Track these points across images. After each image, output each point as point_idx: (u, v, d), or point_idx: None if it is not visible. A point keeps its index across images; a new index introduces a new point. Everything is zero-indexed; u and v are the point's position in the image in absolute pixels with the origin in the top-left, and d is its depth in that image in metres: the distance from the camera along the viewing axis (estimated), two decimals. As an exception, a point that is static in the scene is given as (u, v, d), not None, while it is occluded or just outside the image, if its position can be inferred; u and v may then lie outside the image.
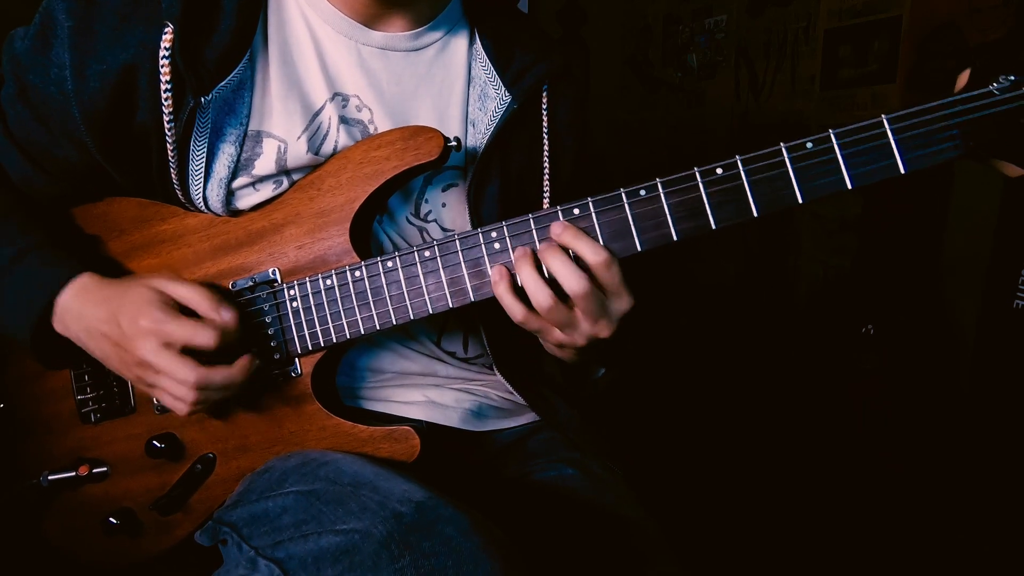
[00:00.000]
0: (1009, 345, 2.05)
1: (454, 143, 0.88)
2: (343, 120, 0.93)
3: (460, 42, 0.99)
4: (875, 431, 2.33)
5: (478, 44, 0.98)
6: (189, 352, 0.82)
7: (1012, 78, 0.70)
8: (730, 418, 2.70)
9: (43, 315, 0.87)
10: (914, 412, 2.27)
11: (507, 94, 0.95)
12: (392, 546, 0.68)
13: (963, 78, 0.73)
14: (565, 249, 0.81)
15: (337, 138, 0.93)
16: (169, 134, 0.86)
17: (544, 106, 0.99)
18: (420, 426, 0.89)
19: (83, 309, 0.85)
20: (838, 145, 0.74)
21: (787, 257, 2.88)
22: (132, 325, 0.81)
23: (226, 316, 0.83)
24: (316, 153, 0.92)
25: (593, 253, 0.79)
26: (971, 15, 2.19)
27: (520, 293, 0.83)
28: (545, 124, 0.99)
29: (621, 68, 3.77)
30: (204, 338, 0.80)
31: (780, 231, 2.91)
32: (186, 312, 0.83)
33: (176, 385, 0.81)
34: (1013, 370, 2.04)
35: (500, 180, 0.96)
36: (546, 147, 0.99)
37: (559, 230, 0.80)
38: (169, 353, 0.80)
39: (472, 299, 0.85)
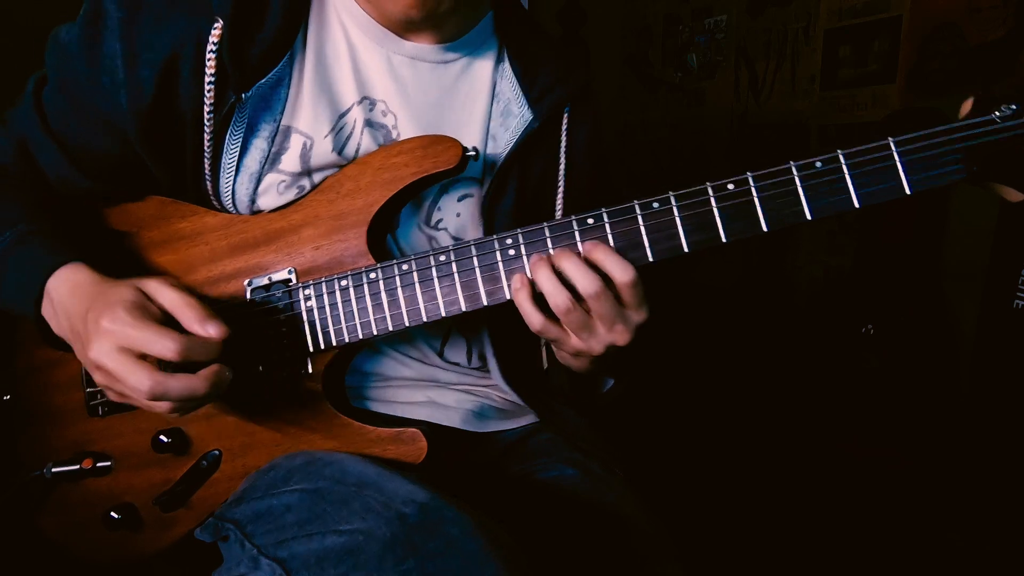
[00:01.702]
0: (1009, 345, 2.05)
1: (472, 153, 0.89)
2: (368, 123, 0.94)
3: (487, 59, 1.01)
4: (875, 431, 2.34)
5: (506, 63, 1.00)
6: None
7: (1014, 107, 0.72)
8: (730, 418, 2.71)
9: (39, 298, 0.86)
10: (914, 412, 2.27)
11: (529, 112, 0.97)
12: (397, 547, 0.68)
13: (967, 105, 0.76)
14: (583, 259, 0.81)
15: (360, 140, 0.94)
16: (208, 126, 0.87)
17: (564, 126, 1.00)
18: (422, 427, 0.89)
19: (65, 300, 0.83)
20: (846, 165, 0.75)
21: (787, 257, 2.89)
22: (95, 323, 0.77)
23: (211, 330, 0.78)
24: (339, 153, 0.93)
25: (622, 272, 0.79)
26: (971, 15, 2.20)
27: (539, 301, 0.83)
28: (564, 144, 1.00)
29: (621, 68, 3.77)
30: (162, 348, 0.74)
31: (781, 232, 2.91)
32: (170, 320, 0.80)
33: (132, 392, 0.77)
34: (1013, 370, 2.05)
35: (516, 195, 0.97)
36: (562, 166, 1.00)
37: (590, 246, 0.81)
38: (123, 357, 0.75)
39: (485, 303, 0.85)
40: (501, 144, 0.98)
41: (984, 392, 2.14)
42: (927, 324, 2.30)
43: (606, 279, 0.80)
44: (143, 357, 0.76)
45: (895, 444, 2.28)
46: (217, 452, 0.92)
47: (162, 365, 0.78)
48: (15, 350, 1.01)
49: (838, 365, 2.50)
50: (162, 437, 0.91)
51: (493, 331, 1.01)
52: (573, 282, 0.80)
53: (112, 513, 0.93)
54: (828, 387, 2.52)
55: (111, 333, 0.75)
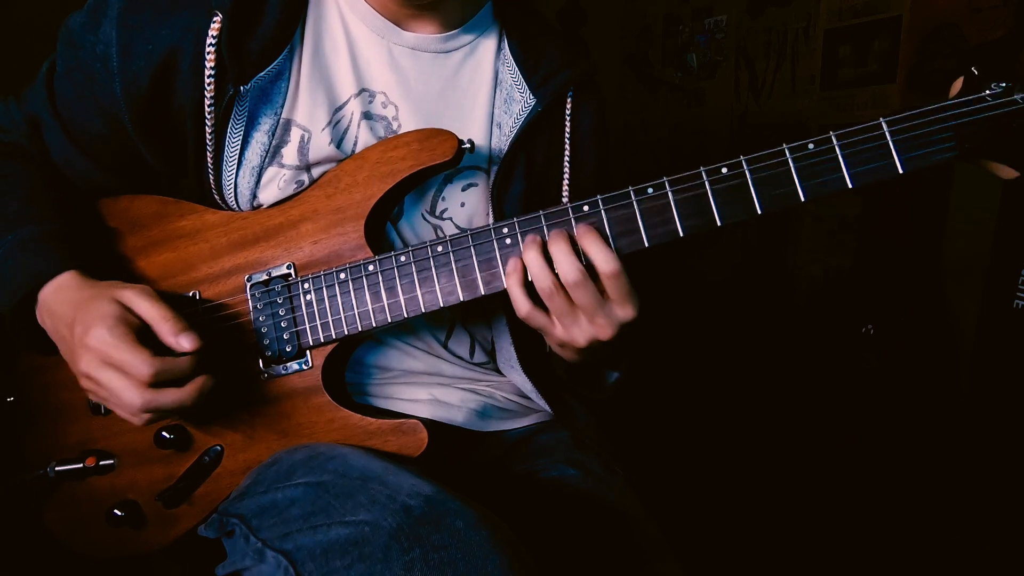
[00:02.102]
0: (1009, 345, 2.06)
1: (467, 145, 0.90)
2: (366, 116, 0.94)
3: (489, 46, 1.01)
4: (875, 431, 2.34)
5: (506, 49, 1.00)
6: None
7: (1004, 84, 0.73)
8: (730, 418, 2.71)
9: (24, 302, 0.88)
10: (914, 412, 2.28)
11: (532, 97, 0.97)
12: (402, 538, 0.68)
13: (957, 84, 0.76)
14: (575, 245, 0.81)
15: (358, 133, 0.94)
16: (209, 120, 0.87)
17: (568, 112, 1.01)
18: (424, 422, 0.90)
19: (55, 308, 0.86)
20: (838, 146, 0.76)
21: (787, 257, 2.89)
22: (80, 338, 0.80)
23: (185, 343, 0.80)
24: (338, 147, 0.93)
25: (605, 261, 0.80)
26: (971, 15, 2.20)
27: (529, 288, 0.83)
28: (568, 130, 1.01)
29: (621, 68, 3.78)
30: (137, 372, 0.78)
31: (780, 231, 2.91)
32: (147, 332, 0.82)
33: (121, 405, 0.81)
34: (1013, 370, 2.05)
35: (524, 181, 0.98)
36: (567, 152, 1.01)
37: (583, 230, 0.81)
38: (113, 373, 0.79)
39: (483, 293, 0.85)
40: (506, 131, 0.98)
41: (984, 392, 2.14)
42: (927, 324, 2.30)
43: (591, 269, 0.80)
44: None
45: (895, 444, 2.28)
46: (219, 448, 0.92)
47: None
48: (19, 350, 1.01)
49: (838, 365, 2.50)
50: (164, 433, 0.91)
51: (512, 320, 1.01)
52: (556, 266, 0.81)
53: (115, 510, 0.93)
54: (828, 387, 2.53)
55: (96, 350, 0.79)
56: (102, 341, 0.79)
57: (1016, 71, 0.73)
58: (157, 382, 0.79)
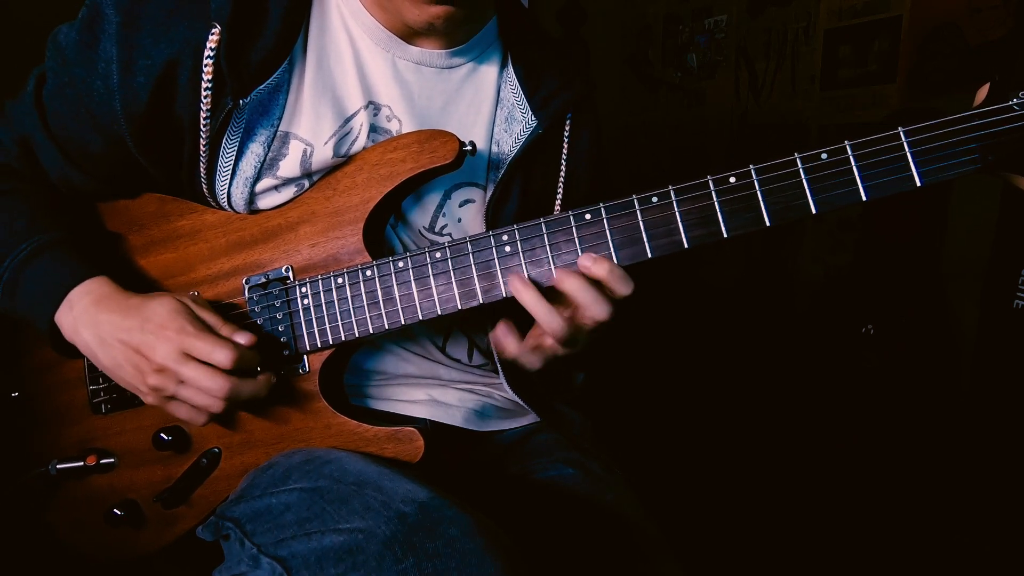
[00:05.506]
0: (1009, 345, 2.05)
1: (469, 147, 0.89)
2: (373, 128, 0.94)
3: (492, 64, 1.01)
4: (875, 431, 2.34)
5: (510, 69, 1.00)
6: None
7: None
8: (731, 418, 2.70)
9: (56, 309, 0.88)
10: (914, 412, 2.27)
11: (533, 119, 0.97)
12: (396, 547, 0.68)
13: (982, 92, 0.73)
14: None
15: (366, 144, 0.93)
16: (204, 131, 0.87)
17: (566, 133, 1.02)
18: (424, 425, 0.90)
19: (100, 316, 0.85)
20: (853, 157, 0.73)
21: (787, 256, 2.88)
22: (159, 331, 0.82)
23: (242, 339, 0.84)
24: (343, 158, 0.92)
25: (625, 287, 0.82)
26: (971, 15, 2.20)
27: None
28: (565, 151, 1.02)
29: (621, 68, 3.77)
30: (222, 356, 0.81)
31: (781, 230, 2.91)
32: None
33: (201, 395, 0.82)
34: (1013, 370, 2.05)
35: (519, 200, 0.98)
36: (562, 172, 1.02)
37: (588, 264, 0.82)
38: (194, 363, 0.81)
39: (481, 301, 0.85)
40: (505, 149, 0.98)
41: (984, 392, 2.14)
42: (927, 324, 2.29)
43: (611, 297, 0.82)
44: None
45: (895, 444, 2.28)
46: (217, 450, 0.92)
47: None
48: (22, 349, 1.02)
49: (838, 365, 2.49)
50: (163, 435, 0.92)
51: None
52: (583, 303, 0.82)
53: (115, 510, 0.94)
54: (828, 387, 2.52)
55: (177, 340, 0.81)
56: (184, 331, 0.81)
57: (1016, 71, 0.71)
58: (236, 369, 0.82)
